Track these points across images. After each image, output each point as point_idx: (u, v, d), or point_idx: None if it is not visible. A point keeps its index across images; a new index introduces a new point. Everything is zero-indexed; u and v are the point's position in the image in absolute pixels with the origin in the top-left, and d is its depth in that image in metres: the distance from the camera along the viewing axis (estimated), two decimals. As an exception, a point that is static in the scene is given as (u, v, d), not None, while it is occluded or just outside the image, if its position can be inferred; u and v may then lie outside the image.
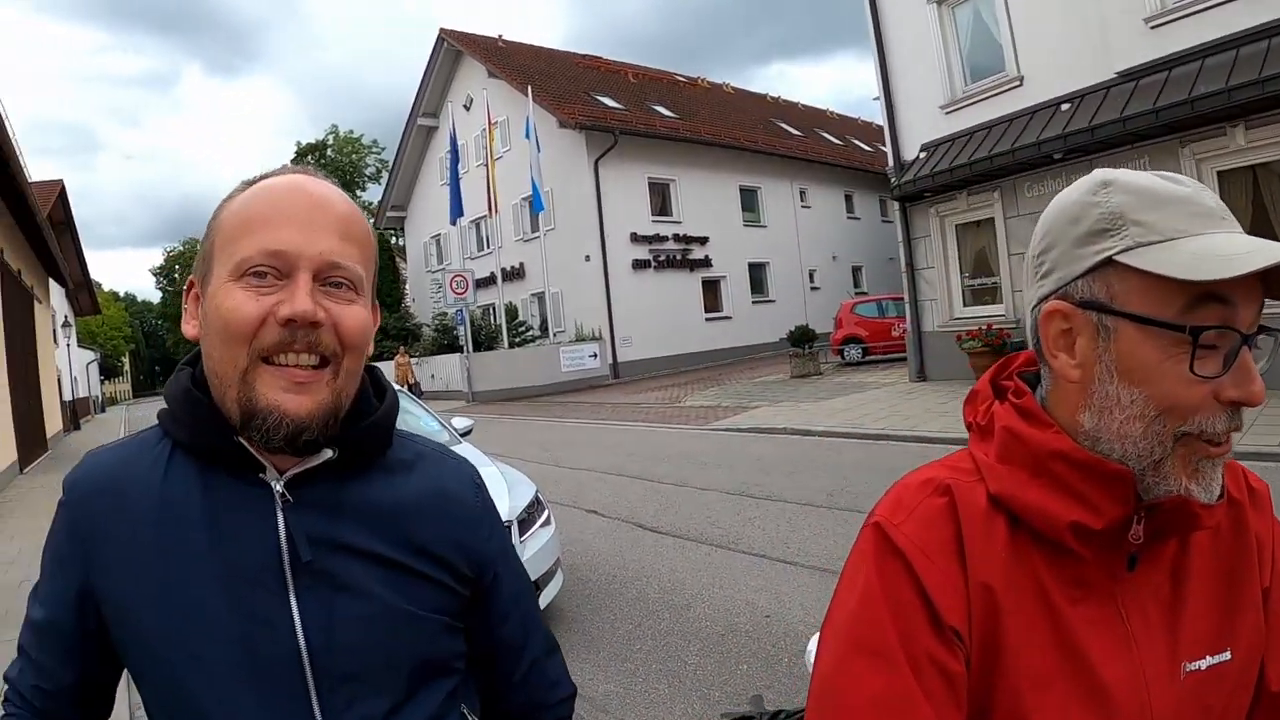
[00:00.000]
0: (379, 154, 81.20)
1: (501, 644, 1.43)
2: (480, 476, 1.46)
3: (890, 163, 20.48)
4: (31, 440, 22.42)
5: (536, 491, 6.82)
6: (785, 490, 10.33)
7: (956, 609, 1.06)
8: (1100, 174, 1.09)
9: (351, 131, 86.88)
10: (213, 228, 1.25)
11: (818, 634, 1.63)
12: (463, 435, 8.03)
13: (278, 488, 1.22)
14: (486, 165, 32.34)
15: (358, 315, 1.22)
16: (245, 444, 1.20)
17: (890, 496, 1.18)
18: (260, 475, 1.22)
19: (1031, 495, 1.09)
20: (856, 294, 36.95)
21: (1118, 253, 1.03)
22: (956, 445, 7.14)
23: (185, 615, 1.17)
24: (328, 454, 1.24)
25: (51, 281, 31.08)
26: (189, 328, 1.29)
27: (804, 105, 54.15)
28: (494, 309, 35.19)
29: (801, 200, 40.49)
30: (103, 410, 66.75)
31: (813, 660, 1.79)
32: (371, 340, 1.29)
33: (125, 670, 1.30)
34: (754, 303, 37.82)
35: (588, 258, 32.45)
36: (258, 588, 1.19)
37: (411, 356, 34.01)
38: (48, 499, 15.27)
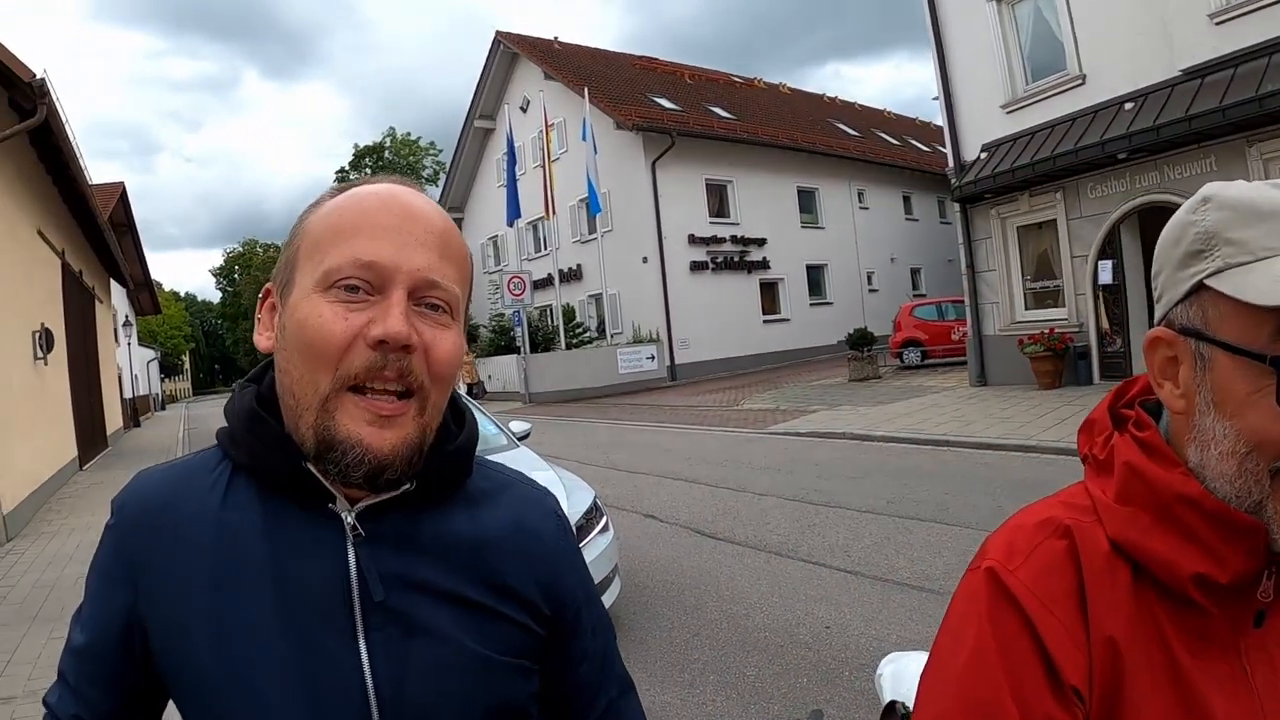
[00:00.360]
0: (436, 156, 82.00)
1: (577, 685, 1.33)
2: (562, 508, 1.37)
3: (950, 163, 20.24)
4: (92, 437, 22.98)
5: (595, 496, 6.73)
6: (845, 497, 10.22)
7: (1077, 666, 0.97)
8: (1207, 189, 1.01)
9: (409, 134, 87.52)
10: (297, 233, 1.16)
11: (890, 657, 1.53)
12: (520, 439, 7.95)
13: (348, 519, 1.13)
14: (543, 167, 32.46)
15: (451, 343, 1.12)
16: (314, 471, 1.10)
17: (1002, 538, 1.09)
18: (330, 505, 1.13)
19: (1154, 542, 1.00)
20: (915, 296, 36.62)
21: (1207, 276, 0.96)
22: (1019, 452, 7.11)
23: (243, 654, 1.07)
24: (405, 486, 1.14)
25: (112, 281, 31.69)
26: (263, 339, 1.20)
27: (861, 105, 53.94)
28: (551, 310, 35.44)
29: (859, 201, 40.19)
30: (163, 408, 67.80)
31: (883, 685, 1.71)
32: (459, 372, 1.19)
33: (170, 702, 1.21)
34: (812, 305, 37.60)
35: (645, 259, 32.47)
36: (324, 627, 1.09)
37: (475, 357, 34.09)
38: (106, 495, 15.57)
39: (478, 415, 8.08)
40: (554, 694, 1.31)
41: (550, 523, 1.31)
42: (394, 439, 1.07)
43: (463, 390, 25.98)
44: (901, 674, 1.62)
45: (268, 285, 1.20)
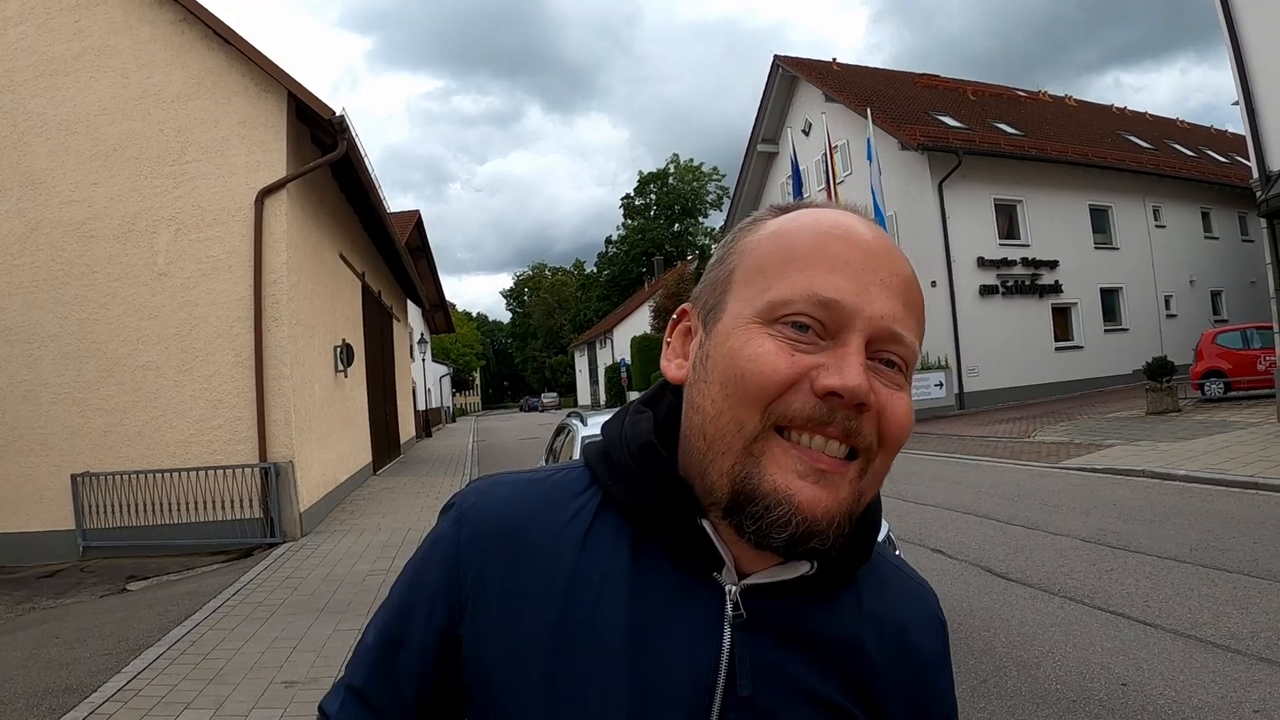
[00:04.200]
0: (719, 181, 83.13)
1: None
2: (942, 610, 1.19)
3: (1254, 175, 18.79)
4: (385, 445, 24.89)
5: (889, 530, 6.36)
6: (1145, 541, 9.81)
7: None
8: None
9: (692, 160, 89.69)
10: (734, 251, 1.02)
11: None
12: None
13: (733, 594, 0.98)
14: (828, 190, 32.28)
15: (907, 407, 0.95)
16: (708, 530, 0.97)
17: None
18: (714, 574, 0.99)
19: None
20: (1216, 322, 34.36)
21: None
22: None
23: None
24: (804, 566, 0.99)
25: (409, 301, 33.72)
26: (672, 368, 1.06)
27: (1152, 115, 50.68)
28: (839, 334, 35.00)
29: (1155, 219, 37.85)
30: (453, 420, 71.45)
31: None
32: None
33: None
34: (1106, 331, 35.75)
35: (934, 283, 31.76)
36: (674, 714, 0.94)
37: None
38: (396, 499, 17.12)
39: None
40: None
41: (932, 631, 1.14)
42: (829, 501, 0.91)
43: None
44: None
45: (684, 306, 1.09)
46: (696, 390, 0.98)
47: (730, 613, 0.98)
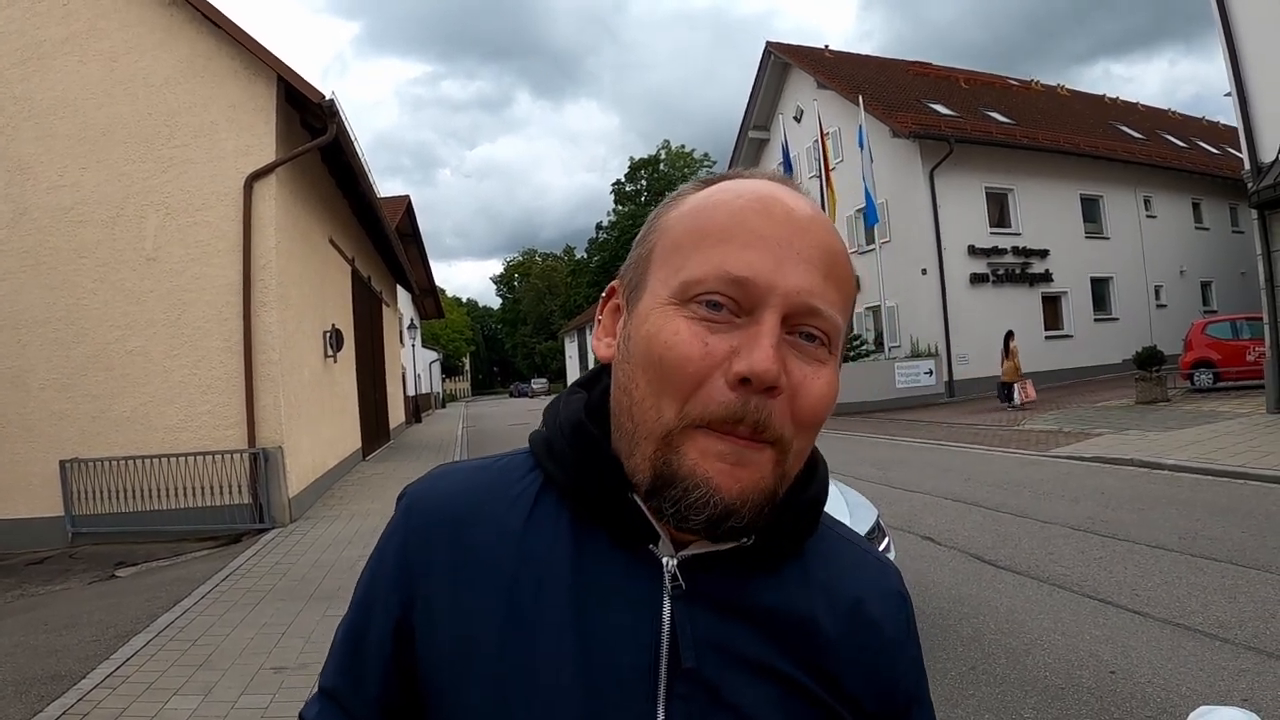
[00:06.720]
0: (710, 167, 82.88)
1: None
2: (904, 584, 1.16)
3: (1246, 166, 18.64)
4: (375, 431, 24.95)
5: (878, 516, 6.31)
6: (1133, 530, 9.79)
7: None
8: None
9: (683, 146, 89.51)
10: (655, 229, 1.01)
11: (1200, 711, 1.43)
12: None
13: (670, 566, 0.98)
14: (820, 177, 32.19)
15: (825, 383, 0.92)
16: (640, 505, 0.96)
17: None
18: (650, 547, 0.99)
19: None
20: (1206, 313, 34.41)
21: None
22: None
23: (521, 702, 0.94)
24: (744, 539, 0.98)
25: (399, 287, 33.74)
26: (602, 346, 1.06)
27: (1144, 106, 50.76)
28: (828, 322, 34.97)
29: (1146, 209, 37.94)
30: (443, 406, 71.77)
31: None
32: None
33: None
34: (1096, 321, 35.85)
35: (924, 271, 31.85)
36: (619, 687, 0.94)
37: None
38: (386, 485, 17.01)
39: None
40: None
41: (892, 605, 1.11)
42: (746, 481, 0.89)
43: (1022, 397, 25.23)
44: None
45: (613, 284, 1.08)
46: (623, 372, 0.97)
47: (669, 585, 0.97)
